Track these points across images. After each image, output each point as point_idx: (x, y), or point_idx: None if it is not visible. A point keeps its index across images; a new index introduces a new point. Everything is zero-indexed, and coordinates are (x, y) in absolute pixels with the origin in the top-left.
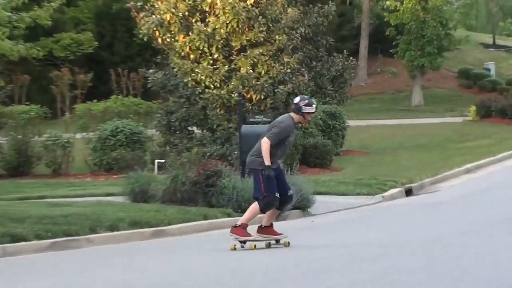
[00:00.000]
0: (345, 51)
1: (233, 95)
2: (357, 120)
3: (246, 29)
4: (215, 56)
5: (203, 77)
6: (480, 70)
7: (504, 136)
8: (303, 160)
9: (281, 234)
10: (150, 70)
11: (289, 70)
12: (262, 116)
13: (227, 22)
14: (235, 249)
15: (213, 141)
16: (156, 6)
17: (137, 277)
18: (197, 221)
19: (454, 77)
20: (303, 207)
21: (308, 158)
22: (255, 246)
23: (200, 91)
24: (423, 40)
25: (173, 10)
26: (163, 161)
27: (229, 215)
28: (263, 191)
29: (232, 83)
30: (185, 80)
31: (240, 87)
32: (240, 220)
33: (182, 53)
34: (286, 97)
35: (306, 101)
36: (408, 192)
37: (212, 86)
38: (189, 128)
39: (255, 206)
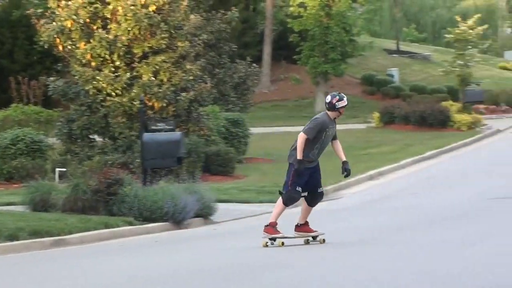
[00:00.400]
0: (248, 57)
1: (134, 102)
2: (261, 127)
3: (148, 36)
4: (117, 63)
5: (104, 85)
6: (383, 76)
7: (407, 143)
8: (206, 168)
9: (316, 231)
10: (51, 78)
11: (191, 77)
12: (164, 124)
13: (129, 29)
14: (266, 246)
15: (115, 149)
16: (57, 13)
17: None
18: (98, 229)
19: (357, 84)
20: (205, 215)
21: (211, 166)
22: (282, 243)
23: (101, 99)
24: (327, 46)
25: (74, 17)
26: (64, 169)
27: (130, 224)
28: (289, 184)
29: (134, 91)
30: (86, 88)
31: (142, 94)
32: (270, 218)
33: (83, 61)
34: (189, 105)
35: (337, 97)
36: None
37: (113, 93)
38: (91, 136)
39: (279, 201)
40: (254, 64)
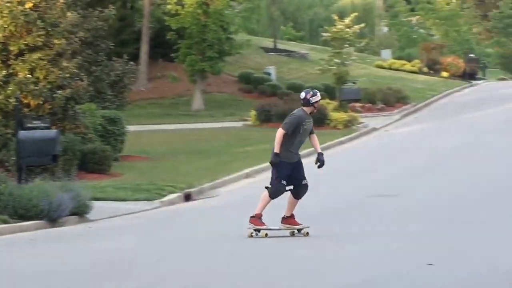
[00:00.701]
0: (125, 55)
1: (10, 100)
2: (137, 125)
3: (25, 33)
4: None
5: None
6: (260, 74)
7: None
8: (82, 166)
9: (301, 224)
10: None
11: (68, 75)
12: (40, 122)
13: (5, 26)
14: (251, 236)
15: None
16: None
17: None
18: None
19: (234, 82)
20: (81, 213)
21: (87, 164)
22: (266, 234)
23: None
24: (204, 45)
25: None
26: None
27: (5, 222)
28: (274, 180)
29: (10, 88)
30: None
31: (18, 92)
32: (255, 210)
33: None
34: (65, 102)
35: (311, 93)
36: (187, 197)
37: None
38: None
39: (265, 194)
40: (131, 62)
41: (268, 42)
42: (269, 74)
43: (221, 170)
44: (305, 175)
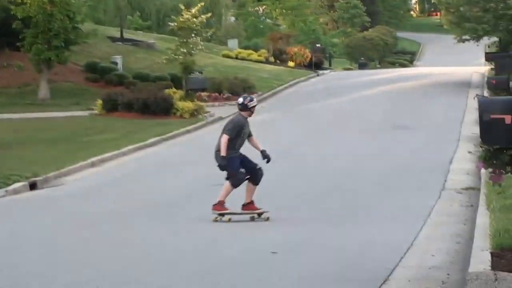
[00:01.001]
0: None
1: None
2: None
3: None
4: None
5: None
6: (107, 64)
7: (130, 130)
8: None
9: (261, 208)
10: None
11: None
12: None
13: None
14: (216, 220)
15: None
16: None
17: None
18: None
19: (81, 71)
20: None
21: None
22: (229, 219)
23: None
24: (50, 34)
25: None
26: None
27: None
28: (232, 173)
29: None
30: None
31: None
32: (217, 197)
33: None
34: None
35: (249, 99)
36: (33, 186)
37: None
38: None
39: (227, 184)
40: None
41: (115, 32)
42: (115, 63)
43: (67, 159)
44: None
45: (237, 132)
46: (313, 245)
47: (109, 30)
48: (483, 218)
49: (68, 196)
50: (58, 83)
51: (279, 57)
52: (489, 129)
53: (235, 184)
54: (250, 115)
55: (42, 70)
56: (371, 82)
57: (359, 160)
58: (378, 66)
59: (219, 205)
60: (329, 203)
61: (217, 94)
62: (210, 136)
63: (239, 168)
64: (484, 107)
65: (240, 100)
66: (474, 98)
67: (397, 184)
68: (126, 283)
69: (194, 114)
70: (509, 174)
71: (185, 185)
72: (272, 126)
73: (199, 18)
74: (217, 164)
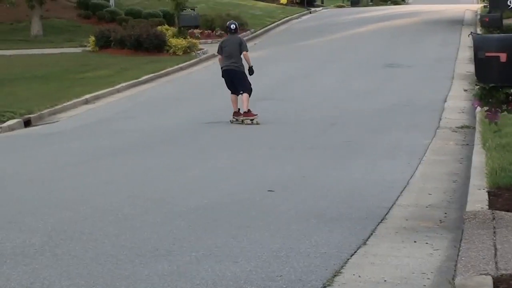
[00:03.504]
0: None
1: None
2: None
3: None
4: None
5: None
6: (99, 0)
7: (123, 67)
8: None
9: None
10: None
11: None
12: None
13: None
14: (252, 123)
15: None
16: None
17: None
18: None
19: (73, 7)
20: None
21: None
22: (258, 122)
23: None
24: None
25: None
26: None
27: None
28: (249, 83)
29: None
30: None
31: None
32: (244, 108)
33: None
34: None
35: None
36: (27, 123)
37: None
38: None
39: (245, 95)
40: None
41: None
42: (108, 0)
43: (61, 96)
44: None
45: None
46: (309, 183)
47: None
48: (479, 157)
49: (62, 132)
50: (50, 20)
51: None
52: (484, 67)
53: (250, 93)
54: None
55: (34, 6)
56: (364, 20)
57: (353, 97)
58: (371, 3)
59: (249, 112)
60: (323, 141)
61: (209, 31)
62: (203, 73)
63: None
64: (479, 45)
65: (233, 26)
66: (468, 36)
67: (392, 121)
68: (122, 220)
69: (187, 51)
70: (505, 112)
71: (179, 121)
72: (265, 63)
73: None
74: (244, 74)
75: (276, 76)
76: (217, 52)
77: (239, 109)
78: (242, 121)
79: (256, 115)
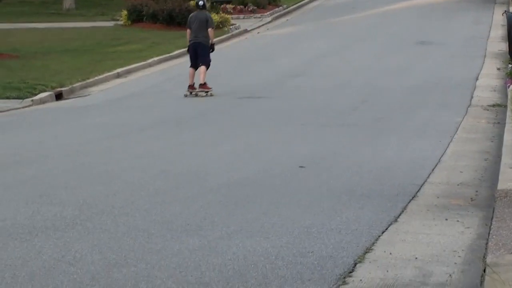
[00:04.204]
0: None
1: None
2: (7, 23)
3: None
4: None
5: None
6: None
7: (155, 41)
8: None
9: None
10: None
11: None
12: None
13: None
14: (206, 95)
15: None
16: None
17: None
18: None
19: None
20: None
21: None
22: (211, 94)
23: None
24: None
25: None
26: None
27: None
28: (208, 57)
29: None
30: None
31: None
32: (200, 80)
33: None
34: None
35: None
36: (59, 96)
37: None
38: None
39: (203, 68)
40: None
41: None
42: None
43: (92, 69)
44: None
45: None
46: (340, 160)
47: None
48: (510, 135)
49: (93, 106)
50: None
51: None
52: None
53: (208, 67)
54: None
55: None
56: None
57: (384, 75)
58: None
59: (205, 85)
60: (354, 117)
61: (242, 6)
62: (235, 49)
63: None
64: None
65: (201, 3)
66: (502, 15)
67: (423, 99)
68: (153, 194)
69: (219, 26)
70: None
71: (210, 97)
72: (298, 39)
73: None
74: (207, 48)
75: (309, 53)
76: (186, 26)
77: (194, 83)
78: (196, 94)
79: (211, 88)
